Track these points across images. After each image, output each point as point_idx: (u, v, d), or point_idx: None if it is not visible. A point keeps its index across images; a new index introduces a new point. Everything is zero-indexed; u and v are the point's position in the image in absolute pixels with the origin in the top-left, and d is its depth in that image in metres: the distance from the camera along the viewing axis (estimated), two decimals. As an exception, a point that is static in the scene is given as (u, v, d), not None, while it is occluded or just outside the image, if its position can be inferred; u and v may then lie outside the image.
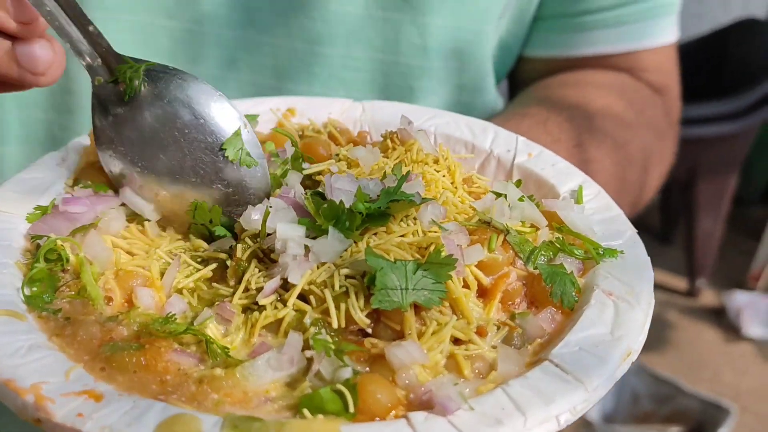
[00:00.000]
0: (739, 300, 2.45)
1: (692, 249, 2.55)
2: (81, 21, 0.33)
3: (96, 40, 0.33)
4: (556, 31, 0.61)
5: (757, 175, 3.20)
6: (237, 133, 0.33)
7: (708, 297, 2.62)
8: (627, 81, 0.63)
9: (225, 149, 0.32)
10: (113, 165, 0.32)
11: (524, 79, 0.65)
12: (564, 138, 0.52)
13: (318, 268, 0.27)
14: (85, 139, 0.36)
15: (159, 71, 0.33)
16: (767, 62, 2.37)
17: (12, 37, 0.31)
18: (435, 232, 0.28)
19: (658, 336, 2.41)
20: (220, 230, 0.33)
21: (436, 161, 0.36)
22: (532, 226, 0.31)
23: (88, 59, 0.33)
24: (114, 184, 0.33)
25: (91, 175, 0.33)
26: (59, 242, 0.30)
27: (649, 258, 0.29)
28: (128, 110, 0.32)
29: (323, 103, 0.41)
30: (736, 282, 2.67)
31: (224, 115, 0.33)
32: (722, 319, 2.48)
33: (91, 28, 0.33)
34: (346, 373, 0.25)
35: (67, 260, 0.30)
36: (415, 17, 0.49)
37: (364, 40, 0.51)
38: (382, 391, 0.24)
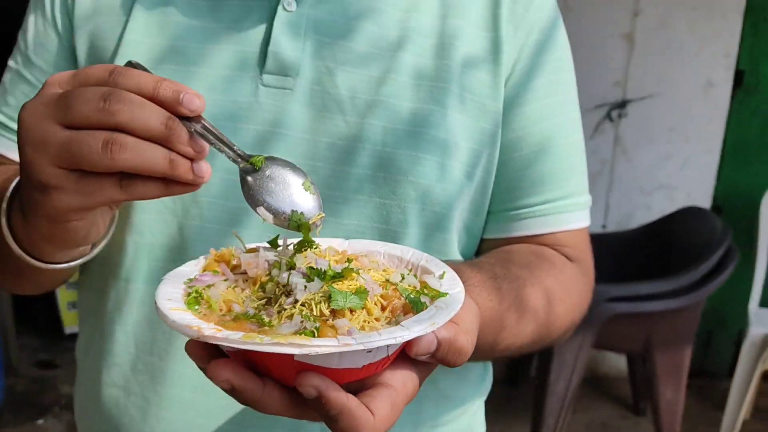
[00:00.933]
0: (707, 469, 2.54)
1: (658, 419, 2.68)
2: (227, 143, 0.54)
3: (237, 151, 0.54)
4: (499, 221, 0.81)
5: (720, 350, 3.40)
6: (308, 179, 0.56)
7: (679, 467, 2.70)
8: (546, 249, 0.80)
9: (304, 186, 0.56)
10: (256, 203, 0.55)
11: (477, 254, 0.84)
12: (478, 273, 0.69)
13: (309, 294, 0.49)
14: (207, 256, 0.58)
15: (274, 158, 0.56)
16: (707, 245, 2.67)
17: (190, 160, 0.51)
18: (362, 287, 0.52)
19: (629, 504, 2.47)
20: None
21: (374, 262, 0.61)
22: (414, 288, 0.55)
23: (236, 159, 0.54)
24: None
25: (210, 268, 0.55)
26: (199, 289, 0.52)
27: (462, 297, 0.52)
28: (258, 174, 0.55)
29: (322, 240, 0.65)
30: (707, 453, 2.77)
31: (299, 171, 0.56)
32: (692, 489, 2.55)
33: (235, 147, 0.55)
34: (316, 325, 0.46)
35: (202, 296, 0.51)
36: (400, 203, 0.71)
37: (368, 216, 0.72)
38: (330, 332, 0.45)
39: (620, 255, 2.93)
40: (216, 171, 0.55)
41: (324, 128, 0.71)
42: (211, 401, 0.73)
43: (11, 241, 0.61)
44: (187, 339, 0.49)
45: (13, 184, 0.62)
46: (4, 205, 0.60)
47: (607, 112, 3.13)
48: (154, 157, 0.48)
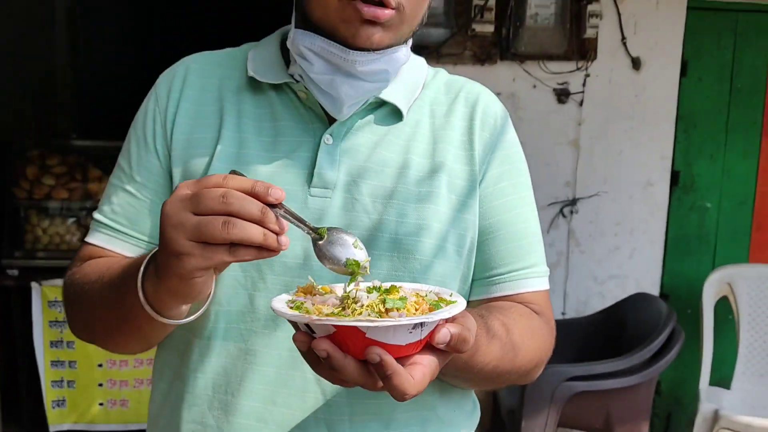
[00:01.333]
0: None
1: (622, 494, 2.84)
2: (302, 221, 0.76)
3: (309, 225, 0.76)
4: (479, 286, 1.01)
5: (679, 430, 3.60)
6: (357, 240, 0.78)
7: None
8: (517, 304, 1.01)
9: (354, 245, 0.78)
10: (325, 259, 0.76)
11: None
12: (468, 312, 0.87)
13: (370, 300, 0.68)
14: (294, 291, 0.78)
15: (333, 227, 0.78)
16: (655, 326, 2.93)
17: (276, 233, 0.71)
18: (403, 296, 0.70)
19: None
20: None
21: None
22: (433, 299, 0.72)
23: (309, 232, 0.76)
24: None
25: (299, 294, 0.75)
26: (298, 303, 0.71)
27: (465, 304, 0.73)
28: (324, 241, 0.75)
29: (364, 283, 0.80)
30: None
31: (351, 234, 0.78)
32: None
33: (307, 223, 0.76)
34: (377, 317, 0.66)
35: (300, 307, 0.71)
36: (410, 275, 0.93)
37: None
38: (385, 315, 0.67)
39: (579, 339, 3.18)
40: (276, 259, 0.78)
41: (353, 223, 0.94)
42: (269, 428, 0.93)
43: (144, 301, 0.80)
44: (291, 336, 0.72)
45: (145, 261, 0.82)
46: (140, 277, 0.81)
47: (560, 209, 3.46)
48: (254, 233, 0.70)
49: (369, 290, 0.74)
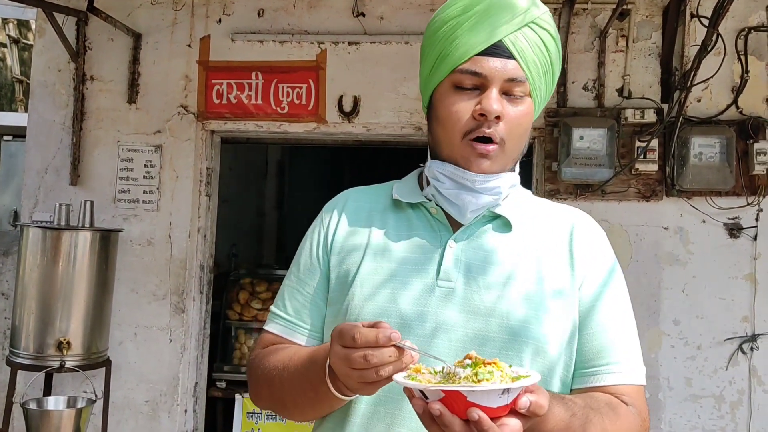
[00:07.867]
0: None
1: None
2: (415, 348, 0.91)
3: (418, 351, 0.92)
4: (578, 377, 1.17)
5: None
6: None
7: None
8: (614, 398, 1.13)
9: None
10: None
11: None
12: (563, 410, 0.99)
13: (465, 373, 0.84)
14: (409, 370, 0.90)
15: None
16: None
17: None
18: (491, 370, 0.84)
19: None
20: None
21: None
22: (517, 374, 0.85)
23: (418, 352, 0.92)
24: None
25: (413, 371, 0.90)
26: (413, 376, 0.88)
27: (539, 376, 0.85)
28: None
29: None
30: None
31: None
32: None
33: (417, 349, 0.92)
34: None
35: (414, 378, 0.87)
36: (521, 364, 1.08)
37: None
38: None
39: (766, 483, 2.99)
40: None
41: (471, 309, 1.13)
42: None
43: (332, 388, 1.00)
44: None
45: (327, 366, 0.99)
46: (326, 374, 1.00)
47: (738, 345, 3.37)
48: (386, 371, 0.90)
49: (464, 366, 0.87)
